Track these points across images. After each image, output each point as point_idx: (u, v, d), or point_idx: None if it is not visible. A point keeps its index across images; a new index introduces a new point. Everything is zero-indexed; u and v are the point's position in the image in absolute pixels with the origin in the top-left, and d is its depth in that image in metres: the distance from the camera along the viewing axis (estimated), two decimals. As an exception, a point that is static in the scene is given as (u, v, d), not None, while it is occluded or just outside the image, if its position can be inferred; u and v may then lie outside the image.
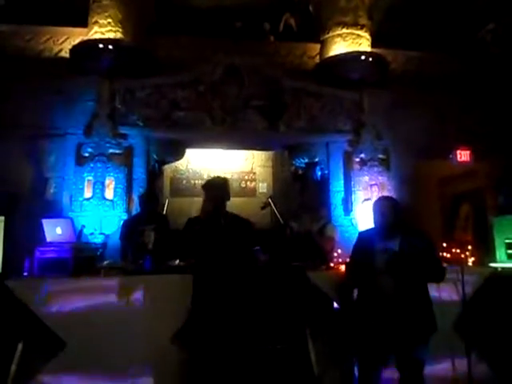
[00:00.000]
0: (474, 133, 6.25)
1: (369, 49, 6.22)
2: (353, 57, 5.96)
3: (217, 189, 2.97)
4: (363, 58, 5.91)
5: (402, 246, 2.70)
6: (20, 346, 3.22)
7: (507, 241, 4.04)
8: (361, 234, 3.08)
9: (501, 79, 6.35)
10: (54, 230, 3.79)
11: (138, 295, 3.26)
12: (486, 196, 6.28)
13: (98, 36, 5.60)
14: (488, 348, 3.47)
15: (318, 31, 6.47)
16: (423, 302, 2.69)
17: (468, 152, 6.29)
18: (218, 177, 3.28)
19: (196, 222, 2.95)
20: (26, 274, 3.59)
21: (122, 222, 4.85)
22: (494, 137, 6.26)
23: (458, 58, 6.55)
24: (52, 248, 3.67)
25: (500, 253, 4.10)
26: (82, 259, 3.75)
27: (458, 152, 6.30)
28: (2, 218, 5.49)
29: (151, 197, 4.64)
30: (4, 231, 5.47)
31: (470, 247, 3.85)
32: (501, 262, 4.07)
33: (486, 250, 4.37)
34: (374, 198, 5.78)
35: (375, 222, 2.85)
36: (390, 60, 6.33)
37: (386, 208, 2.84)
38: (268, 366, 3.55)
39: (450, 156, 6.25)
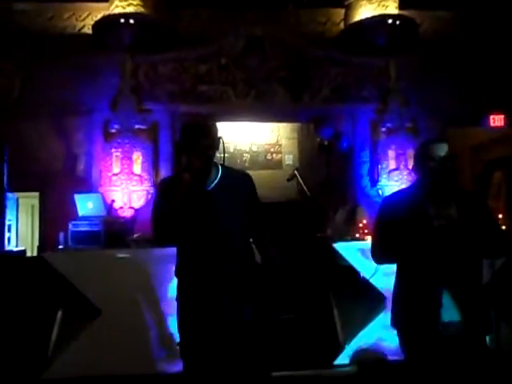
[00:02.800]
0: (508, 97, 5.94)
1: (396, 11, 5.93)
2: (379, 21, 5.68)
3: (206, 136, 1.92)
4: (390, 21, 5.64)
5: (461, 213, 1.88)
6: (59, 314, 3.43)
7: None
8: (392, 196, 2.12)
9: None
10: (86, 205, 3.94)
11: (165, 267, 3.38)
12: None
13: (119, 11, 5.57)
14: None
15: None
16: (480, 291, 1.93)
17: (502, 117, 6.02)
18: (201, 120, 2.10)
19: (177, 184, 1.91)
20: (60, 246, 3.77)
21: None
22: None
23: (491, 18, 6.16)
24: (84, 222, 3.83)
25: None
26: (112, 232, 3.89)
27: (491, 117, 6.04)
28: (37, 193, 5.77)
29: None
30: (39, 207, 5.75)
31: (500, 216, 3.74)
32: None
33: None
34: (402, 169, 5.76)
35: (426, 175, 1.91)
36: (418, 22, 6.03)
37: (447, 154, 1.87)
38: (294, 334, 3.64)
39: (483, 122, 5.99)
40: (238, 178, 2.05)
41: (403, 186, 5.55)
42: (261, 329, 2.21)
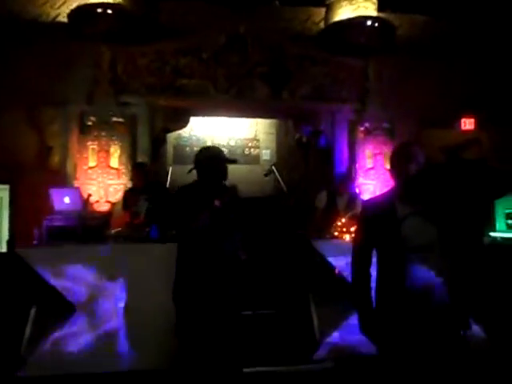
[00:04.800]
0: (480, 100, 6.17)
1: (375, 13, 6.03)
2: (358, 22, 5.77)
3: (222, 161, 2.71)
4: (369, 23, 5.74)
5: (439, 207, 1.97)
6: (33, 311, 3.36)
7: (507, 211, 4.09)
8: (369, 201, 2.27)
9: (509, 46, 6.19)
10: (62, 200, 3.85)
11: (141, 262, 3.36)
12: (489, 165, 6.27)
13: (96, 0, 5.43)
14: (483, 314, 3.58)
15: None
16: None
17: (472, 120, 6.24)
18: (213, 147, 3.01)
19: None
20: (35, 242, 3.67)
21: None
22: (499, 105, 6.19)
23: (465, 24, 6.36)
24: (60, 217, 3.74)
25: (500, 223, 4.16)
26: (89, 227, 3.83)
27: (463, 120, 6.26)
28: (7, 186, 5.57)
29: (143, 168, 4.68)
30: (10, 200, 5.56)
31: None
32: (500, 232, 4.14)
33: (487, 220, 4.43)
34: (378, 168, 5.89)
35: (399, 176, 2.02)
36: (396, 25, 6.15)
37: (419, 154, 2.00)
38: (271, 330, 3.70)
39: (455, 124, 6.20)
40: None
41: (379, 185, 5.79)
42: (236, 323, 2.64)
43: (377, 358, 2.11)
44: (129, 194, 4.62)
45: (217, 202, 2.55)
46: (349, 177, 4.84)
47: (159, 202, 4.10)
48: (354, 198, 4.49)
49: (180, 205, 2.60)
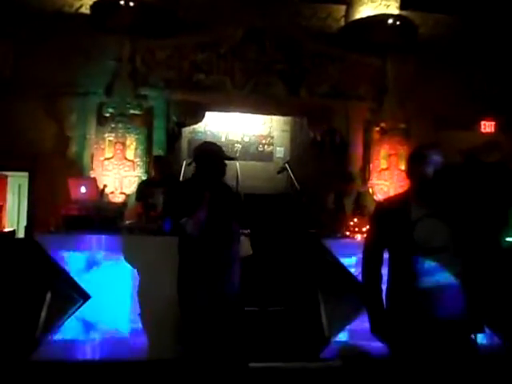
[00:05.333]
0: (501, 103, 6.06)
1: (397, 11, 5.97)
2: (380, 20, 5.73)
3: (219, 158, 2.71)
4: (390, 21, 5.69)
5: (453, 210, 1.94)
6: (48, 296, 3.43)
7: (525, 216, 4.02)
8: (383, 201, 2.30)
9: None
10: (79, 189, 3.91)
11: (155, 254, 3.40)
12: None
13: (118, -8, 5.48)
14: (498, 318, 3.52)
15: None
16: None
17: (493, 123, 6.14)
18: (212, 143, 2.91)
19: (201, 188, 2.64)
20: (52, 229, 3.74)
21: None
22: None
23: (487, 25, 6.24)
24: (76, 206, 3.80)
25: (516, 228, 4.09)
26: (104, 217, 3.88)
27: (483, 123, 6.16)
28: (26, 173, 5.70)
29: (162, 161, 4.74)
30: (28, 187, 5.69)
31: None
32: (516, 237, 4.06)
33: (505, 225, 4.35)
34: (393, 169, 5.84)
35: (415, 178, 2.00)
36: (418, 24, 6.07)
37: (437, 157, 1.97)
38: (280, 327, 3.72)
39: (474, 126, 6.11)
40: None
41: (393, 186, 5.74)
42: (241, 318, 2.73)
43: (385, 358, 2.11)
44: (143, 186, 4.67)
45: (206, 195, 2.55)
46: (356, 177, 4.84)
47: (171, 196, 4.16)
48: (362, 198, 4.49)
49: (178, 198, 2.65)
